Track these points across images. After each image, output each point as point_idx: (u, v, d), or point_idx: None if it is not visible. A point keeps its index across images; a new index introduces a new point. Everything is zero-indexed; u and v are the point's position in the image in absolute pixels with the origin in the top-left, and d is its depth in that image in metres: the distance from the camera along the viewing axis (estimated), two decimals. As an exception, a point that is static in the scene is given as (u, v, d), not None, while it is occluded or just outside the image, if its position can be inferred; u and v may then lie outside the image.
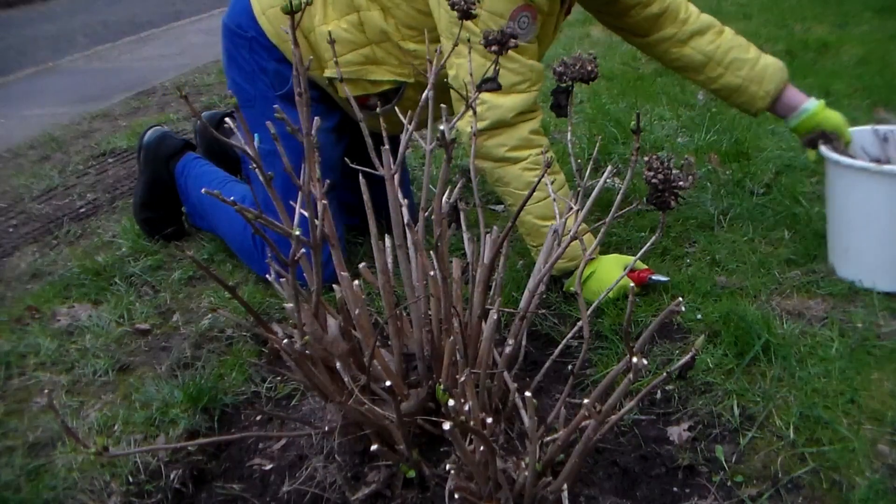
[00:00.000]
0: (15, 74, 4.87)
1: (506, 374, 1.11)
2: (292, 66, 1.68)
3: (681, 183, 0.77)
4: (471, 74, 1.26)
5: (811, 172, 2.12)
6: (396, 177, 1.10)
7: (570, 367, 1.21)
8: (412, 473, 1.11)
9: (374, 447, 1.05)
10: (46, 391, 1.45)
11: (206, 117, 2.16)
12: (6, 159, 2.96)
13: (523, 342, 1.18)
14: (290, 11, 0.92)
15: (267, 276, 1.30)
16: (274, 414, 1.36)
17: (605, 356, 1.42)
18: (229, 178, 1.95)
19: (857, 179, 1.50)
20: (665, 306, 1.53)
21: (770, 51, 1.76)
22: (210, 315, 1.66)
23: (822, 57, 3.30)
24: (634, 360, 0.83)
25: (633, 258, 1.04)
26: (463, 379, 0.95)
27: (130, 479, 1.20)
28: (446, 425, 0.78)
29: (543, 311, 1.56)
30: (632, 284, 1.16)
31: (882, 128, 1.66)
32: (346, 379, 1.05)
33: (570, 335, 1.13)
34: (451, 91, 1.51)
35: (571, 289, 1.58)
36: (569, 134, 1.09)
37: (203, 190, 0.94)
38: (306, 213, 1.03)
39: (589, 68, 0.96)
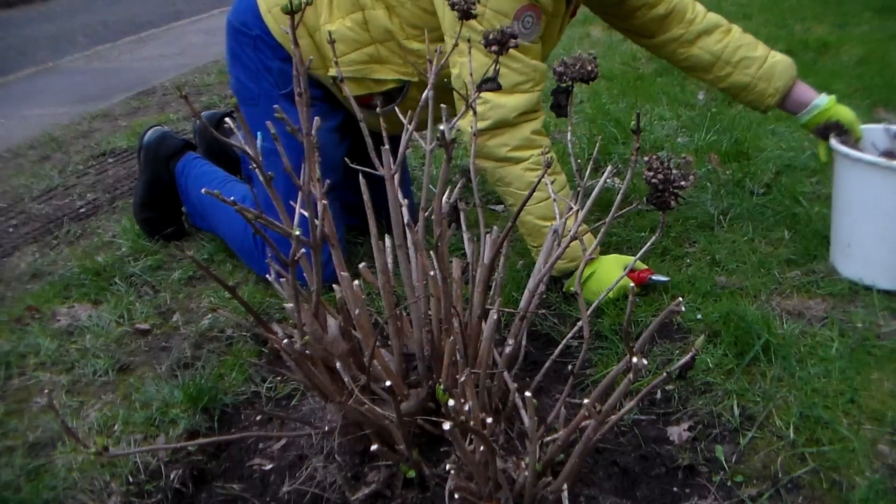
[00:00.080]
0: (15, 74, 4.87)
1: (506, 374, 1.11)
2: (306, 64, 1.68)
3: (681, 183, 0.77)
4: (471, 74, 1.26)
5: (811, 172, 2.12)
6: (396, 177, 1.10)
7: (570, 367, 1.21)
8: (412, 473, 1.11)
9: (374, 447, 1.05)
10: (46, 391, 1.44)
11: (206, 117, 2.16)
12: (6, 159, 2.96)
13: (523, 342, 1.18)
14: (290, 11, 0.92)
15: (267, 276, 1.30)
16: (274, 414, 1.35)
17: (605, 356, 1.42)
18: (230, 178, 1.95)
19: (866, 173, 1.50)
20: (665, 306, 1.53)
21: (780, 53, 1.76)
22: (210, 315, 1.66)
23: (822, 57, 3.30)
24: (634, 360, 0.83)
25: (633, 258, 1.04)
26: (463, 379, 0.95)
27: (130, 479, 1.20)
28: (446, 425, 0.78)
29: (543, 311, 1.56)
30: (632, 284, 1.16)
31: (894, 127, 1.66)
32: (346, 379, 1.05)
33: (570, 335, 1.13)
34: (451, 89, 1.51)
35: (571, 289, 1.58)
36: (569, 134, 1.09)
37: (203, 190, 0.94)
38: (306, 214, 1.03)
39: (589, 68, 0.96)
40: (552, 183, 1.50)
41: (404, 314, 1.27)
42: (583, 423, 0.95)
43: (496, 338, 1.18)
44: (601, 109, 2.79)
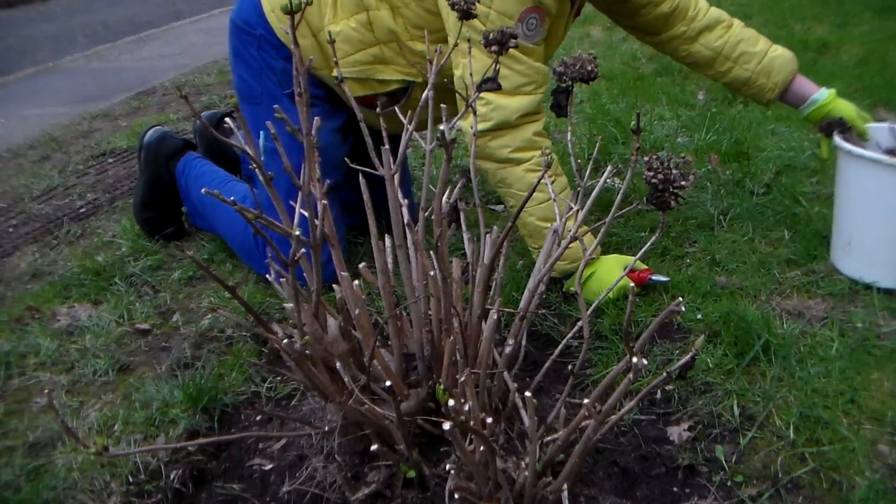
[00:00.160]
0: (15, 74, 4.87)
1: (506, 374, 1.11)
2: (306, 64, 1.68)
3: (681, 183, 0.77)
4: (471, 75, 1.26)
5: (811, 172, 2.12)
6: (396, 177, 1.10)
7: (570, 367, 1.21)
8: (412, 473, 1.11)
9: (374, 447, 1.05)
10: (46, 391, 1.45)
11: (206, 117, 2.16)
12: (6, 159, 2.96)
13: (523, 342, 1.18)
14: (290, 11, 0.92)
15: (267, 276, 1.30)
16: (274, 414, 1.35)
17: (605, 356, 1.42)
18: (230, 178, 1.95)
19: (868, 171, 1.50)
20: (665, 306, 1.53)
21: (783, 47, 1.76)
22: (210, 315, 1.66)
23: (822, 57, 3.30)
24: (634, 360, 0.83)
25: (634, 258, 1.04)
26: (463, 379, 0.95)
27: (130, 479, 1.20)
28: (446, 425, 0.78)
29: (543, 311, 1.56)
30: (632, 284, 1.16)
31: None
32: (346, 379, 1.06)
33: (570, 335, 1.13)
34: (456, 86, 1.51)
35: (571, 289, 1.58)
36: (569, 134, 1.09)
37: (203, 190, 0.95)
38: (306, 214, 1.03)
39: (589, 68, 0.96)
40: (552, 184, 1.50)
41: (404, 314, 1.27)
42: (583, 423, 0.95)
43: (496, 338, 1.18)
44: (601, 109, 2.78)
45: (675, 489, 1.12)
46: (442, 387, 0.81)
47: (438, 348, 1.15)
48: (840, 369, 1.31)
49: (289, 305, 1.05)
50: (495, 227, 1.12)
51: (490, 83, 1.08)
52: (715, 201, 1.98)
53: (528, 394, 0.87)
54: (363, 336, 1.14)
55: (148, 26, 6.42)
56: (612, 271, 1.53)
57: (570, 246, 1.05)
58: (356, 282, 1.14)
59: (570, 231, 1.04)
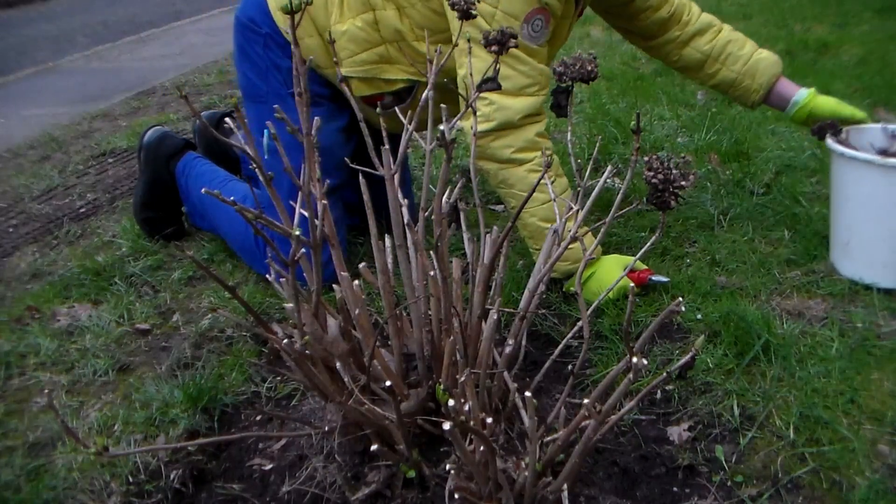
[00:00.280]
0: (15, 74, 4.87)
1: (506, 374, 1.11)
2: (307, 63, 1.68)
3: (681, 183, 0.77)
4: (471, 75, 1.26)
5: (811, 172, 2.12)
6: (396, 177, 1.10)
7: (570, 367, 1.21)
8: (412, 473, 1.11)
9: (374, 447, 1.05)
10: (46, 391, 1.45)
11: (206, 117, 2.16)
12: (6, 159, 2.96)
13: (523, 342, 1.18)
14: (290, 11, 0.92)
15: (267, 276, 1.30)
16: (274, 414, 1.35)
17: (605, 356, 1.42)
18: (230, 178, 1.95)
19: (861, 172, 1.50)
20: (665, 306, 1.53)
21: (770, 51, 1.77)
22: (210, 315, 1.66)
23: (822, 57, 3.31)
24: (634, 360, 0.83)
25: (634, 258, 1.04)
26: (463, 379, 0.95)
27: (130, 479, 1.20)
28: (446, 425, 0.78)
29: (543, 311, 1.56)
30: (632, 285, 1.16)
31: (892, 126, 1.66)
32: (346, 379, 1.05)
33: (570, 335, 1.13)
34: (460, 87, 1.52)
35: (571, 289, 1.58)
36: (569, 134, 1.09)
37: (203, 190, 0.94)
38: (306, 213, 1.03)
39: (589, 68, 0.96)
40: (552, 184, 1.50)
41: (404, 314, 1.27)
42: (583, 423, 0.95)
43: (496, 338, 1.18)
44: (601, 109, 2.78)
45: (675, 489, 1.12)
46: (442, 387, 0.81)
47: (438, 348, 1.15)
48: (840, 369, 1.31)
49: (289, 305, 1.05)
50: (495, 227, 1.12)
51: (490, 83, 1.08)
52: (715, 201, 1.98)
53: (528, 394, 0.87)
54: (363, 336, 1.14)
55: (148, 26, 6.43)
56: (612, 271, 1.53)
57: (570, 247, 1.05)
58: (356, 282, 1.14)
59: (570, 231, 1.04)
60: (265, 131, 1.67)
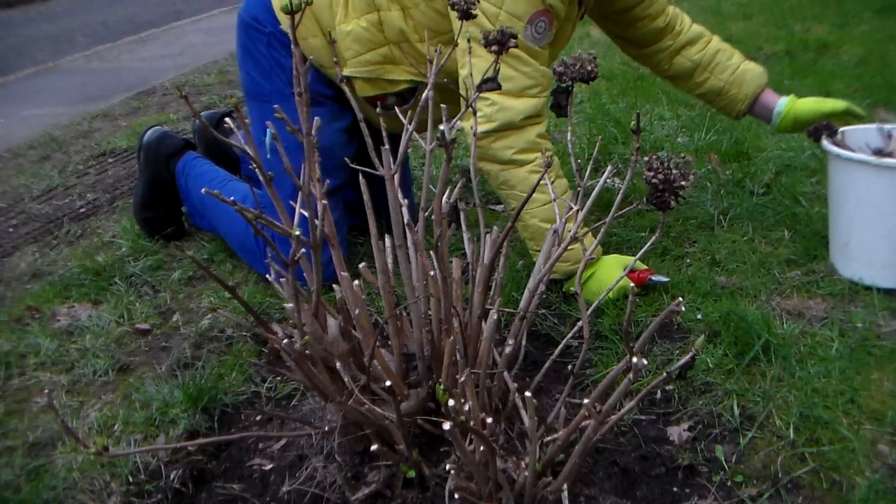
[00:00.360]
0: (15, 74, 4.87)
1: (506, 374, 1.11)
2: (310, 63, 1.68)
3: (681, 183, 0.77)
4: (471, 75, 1.26)
5: (811, 172, 2.12)
6: (396, 177, 1.10)
7: (570, 367, 1.21)
8: (412, 473, 1.11)
9: (374, 447, 1.05)
10: (46, 391, 1.44)
11: (206, 117, 2.16)
12: (6, 159, 2.96)
13: (523, 342, 1.18)
14: (291, 11, 0.92)
15: (267, 275, 1.30)
16: (274, 414, 1.35)
17: (605, 356, 1.42)
18: (230, 178, 1.95)
19: (858, 172, 1.51)
20: (665, 306, 1.53)
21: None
22: (210, 315, 1.66)
23: (822, 57, 3.30)
24: (634, 360, 0.83)
25: (634, 258, 1.04)
26: (463, 379, 0.95)
27: (130, 479, 1.20)
28: (446, 425, 0.78)
29: (543, 311, 1.56)
30: (632, 285, 1.16)
31: (887, 126, 1.67)
32: (346, 379, 1.05)
33: (570, 335, 1.13)
34: (461, 89, 1.52)
35: (571, 289, 1.58)
36: (569, 134, 1.09)
37: (203, 190, 0.95)
38: (306, 213, 1.03)
39: (589, 68, 0.96)
40: (552, 184, 1.50)
41: (404, 314, 1.27)
42: (583, 423, 0.95)
43: (496, 338, 1.18)
44: (601, 109, 2.78)
45: (675, 489, 1.12)
46: (442, 387, 0.81)
47: (438, 348, 1.15)
48: (840, 369, 1.31)
49: (289, 305, 1.05)
50: (495, 227, 1.12)
51: (490, 83, 1.08)
52: (715, 201, 1.98)
53: (528, 394, 0.87)
54: (363, 336, 1.14)
55: (148, 26, 6.43)
56: (612, 271, 1.53)
57: (570, 247, 1.05)
58: (356, 282, 1.14)
59: (570, 232, 1.04)
60: (267, 131, 1.67)
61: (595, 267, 1.55)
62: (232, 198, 0.88)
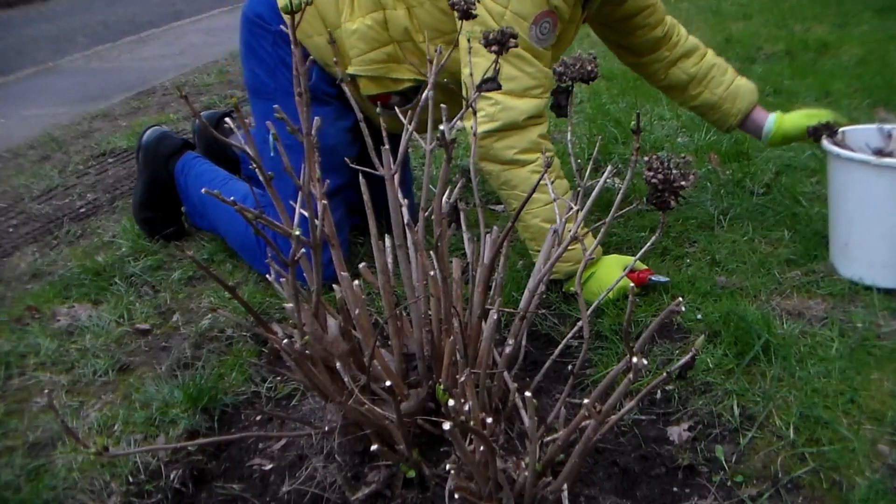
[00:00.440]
0: (15, 74, 4.87)
1: (506, 374, 1.11)
2: (316, 62, 1.68)
3: (681, 183, 0.77)
4: (471, 75, 1.26)
5: (811, 172, 2.12)
6: (396, 177, 1.10)
7: (570, 367, 1.21)
8: (412, 473, 1.11)
9: (374, 447, 1.05)
10: (46, 391, 1.44)
11: (206, 117, 2.16)
12: (6, 159, 2.96)
13: (523, 342, 1.18)
14: (291, 11, 0.92)
15: (267, 275, 1.30)
16: (274, 414, 1.35)
17: (605, 356, 1.42)
18: (230, 177, 1.95)
19: (858, 172, 1.51)
20: (665, 306, 1.53)
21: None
22: (210, 315, 1.66)
23: (822, 57, 3.30)
24: (634, 360, 0.83)
25: (634, 258, 1.04)
26: (463, 379, 0.95)
27: (130, 479, 1.20)
28: (446, 425, 0.78)
29: (543, 311, 1.56)
30: (632, 285, 1.16)
31: (887, 126, 1.67)
32: (346, 379, 1.05)
33: (570, 335, 1.13)
34: (464, 89, 1.52)
35: (571, 289, 1.58)
36: (569, 134, 1.09)
37: (203, 190, 0.94)
38: (306, 213, 1.03)
39: (589, 68, 0.96)
40: (553, 185, 1.50)
41: (404, 314, 1.27)
42: (583, 423, 0.95)
43: (496, 338, 1.18)
44: (601, 109, 2.78)
45: (675, 489, 1.12)
46: (442, 387, 0.81)
47: (438, 348, 1.15)
48: (840, 369, 1.31)
49: (289, 305, 1.05)
50: (495, 227, 1.12)
51: (490, 83, 1.08)
52: (715, 201, 1.98)
53: (528, 394, 0.87)
54: (363, 336, 1.14)
55: (148, 26, 6.43)
56: (611, 271, 1.53)
57: (571, 247, 1.05)
58: (356, 282, 1.14)
59: (570, 232, 1.04)
60: (275, 128, 1.67)
61: (595, 267, 1.55)
62: (232, 198, 0.88)
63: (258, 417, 1.36)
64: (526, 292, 1.13)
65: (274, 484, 1.19)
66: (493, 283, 1.15)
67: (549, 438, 1.06)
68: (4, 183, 2.68)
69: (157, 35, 6.03)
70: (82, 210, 2.37)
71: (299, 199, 1.04)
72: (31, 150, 3.05)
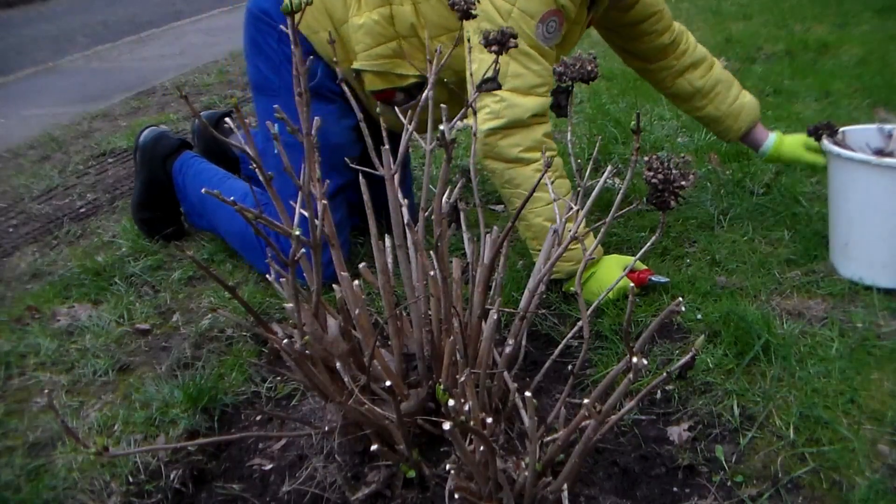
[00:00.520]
0: (15, 74, 4.87)
1: (506, 374, 1.11)
2: (322, 58, 1.68)
3: (681, 183, 0.77)
4: (471, 75, 1.26)
5: (811, 172, 2.12)
6: (396, 177, 1.10)
7: (570, 367, 1.21)
8: (412, 473, 1.11)
9: (374, 447, 1.05)
10: (46, 391, 1.44)
11: (206, 117, 2.15)
12: (6, 159, 2.96)
13: (523, 342, 1.18)
14: (291, 11, 0.91)
15: (267, 275, 1.30)
16: (274, 414, 1.35)
17: (605, 356, 1.42)
18: (228, 176, 1.94)
19: (858, 172, 1.51)
20: (665, 306, 1.53)
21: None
22: (210, 315, 1.66)
23: (822, 57, 3.30)
24: (634, 360, 0.83)
25: (634, 258, 1.04)
26: (463, 379, 0.95)
27: (130, 479, 1.20)
28: (446, 425, 0.78)
29: (543, 311, 1.56)
30: (632, 285, 1.16)
31: (888, 126, 1.67)
32: (346, 379, 1.05)
33: (570, 335, 1.13)
34: (466, 88, 1.52)
35: (571, 289, 1.58)
36: (569, 134, 1.09)
37: (203, 190, 0.94)
38: (306, 213, 1.03)
39: (589, 68, 0.96)
40: (554, 184, 1.50)
41: (404, 314, 1.27)
42: (583, 423, 0.95)
43: (496, 338, 1.18)
44: (601, 109, 2.78)
45: (675, 489, 1.12)
46: (442, 387, 0.81)
47: (438, 348, 1.15)
48: (840, 369, 1.31)
49: (289, 305, 1.05)
50: (495, 227, 1.12)
51: (490, 83, 1.08)
52: (715, 201, 1.98)
53: (528, 394, 0.87)
54: (363, 336, 1.14)
55: (148, 26, 6.43)
56: (612, 271, 1.53)
57: (571, 247, 1.05)
58: (356, 282, 1.14)
59: (570, 232, 1.04)
60: (276, 126, 1.67)
61: (595, 267, 1.55)
62: (232, 197, 0.88)
63: (258, 417, 1.36)
64: (526, 292, 1.13)
65: (274, 484, 1.19)
66: (493, 283, 1.15)
67: (549, 438, 1.06)
68: (4, 183, 2.68)
69: (157, 35, 6.03)
70: (82, 210, 2.37)
71: (299, 198, 1.04)
72: (31, 150, 3.05)
